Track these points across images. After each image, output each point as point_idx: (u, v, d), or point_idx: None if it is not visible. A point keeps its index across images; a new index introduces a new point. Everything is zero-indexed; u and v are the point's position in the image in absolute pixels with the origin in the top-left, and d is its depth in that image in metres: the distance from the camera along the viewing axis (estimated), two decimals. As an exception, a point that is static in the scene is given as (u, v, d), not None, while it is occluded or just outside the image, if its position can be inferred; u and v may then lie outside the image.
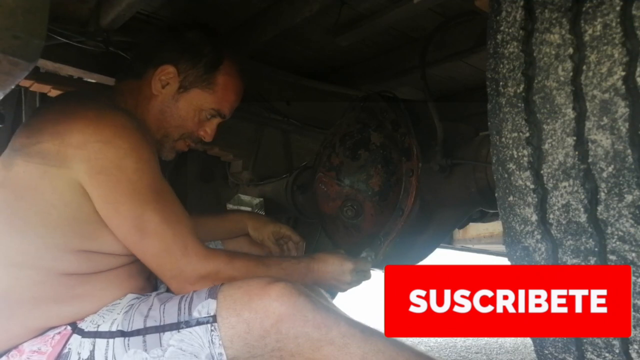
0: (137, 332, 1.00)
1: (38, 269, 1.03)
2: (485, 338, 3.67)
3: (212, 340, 0.97)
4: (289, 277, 1.13)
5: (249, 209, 1.93)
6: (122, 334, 1.00)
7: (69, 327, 1.04)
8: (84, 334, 1.02)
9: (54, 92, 1.55)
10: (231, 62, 1.31)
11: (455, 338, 3.58)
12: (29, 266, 1.03)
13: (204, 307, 1.00)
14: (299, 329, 0.97)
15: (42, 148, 1.04)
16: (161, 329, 1.00)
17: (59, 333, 1.03)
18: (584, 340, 0.79)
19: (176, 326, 0.99)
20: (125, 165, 1.04)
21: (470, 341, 3.51)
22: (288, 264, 1.20)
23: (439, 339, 3.52)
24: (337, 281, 1.24)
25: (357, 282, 1.29)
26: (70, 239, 1.05)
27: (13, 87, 0.93)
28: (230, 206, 1.88)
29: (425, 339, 3.51)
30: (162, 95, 1.25)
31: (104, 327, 1.02)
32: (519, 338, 3.69)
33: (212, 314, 0.99)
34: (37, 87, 1.56)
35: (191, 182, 2.09)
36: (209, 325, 0.98)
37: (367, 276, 1.31)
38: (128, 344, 0.99)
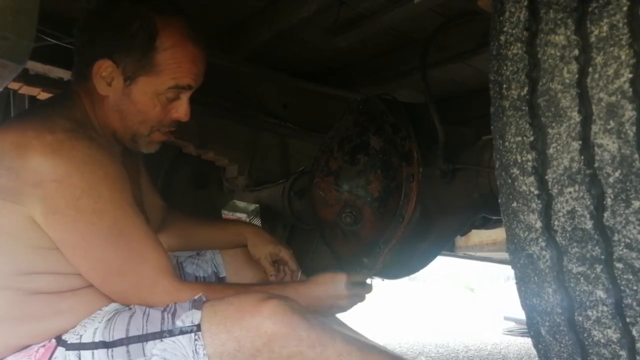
0: (119, 342, 0.97)
1: (14, 290, 1.00)
2: (489, 349, 3.67)
3: (196, 350, 0.94)
4: None
5: (244, 215, 1.92)
6: (105, 344, 0.97)
7: (53, 340, 1.01)
8: (67, 346, 1.00)
9: (43, 95, 1.55)
10: (171, 30, 1.10)
11: (457, 349, 3.57)
12: (4, 287, 1.00)
13: (187, 317, 0.98)
14: (293, 349, 0.94)
15: None
16: (144, 338, 0.97)
17: (43, 346, 1.01)
18: (590, 351, 0.77)
19: (159, 335, 0.97)
20: (82, 206, 0.99)
21: (472, 352, 3.50)
22: (274, 289, 1.12)
23: (441, 350, 3.51)
24: (334, 299, 1.17)
25: (357, 297, 1.20)
26: (41, 264, 1.02)
27: (1, 89, 0.92)
28: (225, 212, 1.86)
29: (426, 349, 3.50)
30: (112, 93, 1.11)
31: (86, 338, 0.99)
32: (522, 349, 3.69)
33: (196, 323, 0.96)
34: (26, 90, 1.56)
35: (185, 188, 2.08)
36: (192, 334, 0.95)
37: (365, 289, 1.22)
38: (112, 355, 0.96)
